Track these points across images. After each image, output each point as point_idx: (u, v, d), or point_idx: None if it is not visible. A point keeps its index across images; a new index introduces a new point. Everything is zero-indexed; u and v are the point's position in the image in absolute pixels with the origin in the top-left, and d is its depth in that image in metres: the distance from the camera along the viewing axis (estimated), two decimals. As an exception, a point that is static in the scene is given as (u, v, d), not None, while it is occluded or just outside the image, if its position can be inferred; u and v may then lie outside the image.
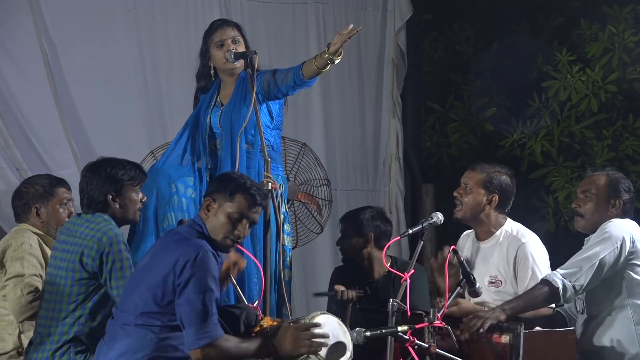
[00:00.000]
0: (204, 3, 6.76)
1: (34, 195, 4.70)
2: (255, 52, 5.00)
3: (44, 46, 6.07)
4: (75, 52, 6.20)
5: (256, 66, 4.92)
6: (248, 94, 4.91)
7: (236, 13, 6.90)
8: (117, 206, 4.25)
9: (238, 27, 5.09)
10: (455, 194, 4.82)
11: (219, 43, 5.02)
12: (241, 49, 5.00)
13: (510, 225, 4.80)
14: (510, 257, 4.69)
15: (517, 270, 4.67)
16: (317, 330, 3.88)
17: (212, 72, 5.09)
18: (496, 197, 4.76)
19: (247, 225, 4.01)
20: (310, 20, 7.28)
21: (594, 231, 4.63)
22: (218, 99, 5.09)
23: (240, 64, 4.99)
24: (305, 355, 3.87)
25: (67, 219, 4.63)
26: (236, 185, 3.99)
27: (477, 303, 4.66)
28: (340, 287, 5.01)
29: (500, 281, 4.71)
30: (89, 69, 6.22)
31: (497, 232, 4.78)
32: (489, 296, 4.69)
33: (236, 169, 4.82)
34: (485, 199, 4.76)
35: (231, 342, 3.82)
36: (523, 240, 4.71)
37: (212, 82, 5.12)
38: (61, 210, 4.72)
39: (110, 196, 4.23)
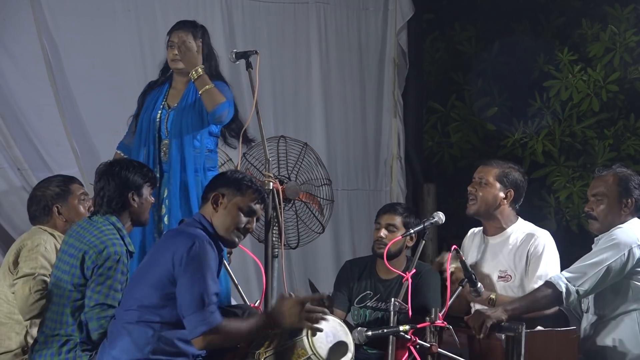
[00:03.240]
0: (205, 3, 6.76)
1: (52, 196, 4.75)
2: (256, 52, 4.99)
3: (45, 46, 6.08)
4: (76, 51, 6.21)
5: (257, 66, 4.92)
6: (198, 101, 5.00)
7: (237, 13, 6.90)
8: (136, 205, 4.29)
9: (188, 28, 5.11)
10: (470, 188, 4.79)
11: (171, 43, 5.10)
12: (190, 55, 5.02)
13: (523, 224, 4.80)
14: (523, 252, 4.69)
15: (528, 263, 4.66)
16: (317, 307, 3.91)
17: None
18: (512, 192, 4.75)
19: (255, 220, 4.13)
20: (311, 19, 7.28)
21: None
22: (165, 102, 5.15)
23: (178, 63, 5.07)
24: (307, 356, 3.86)
25: (87, 214, 4.69)
26: (245, 181, 4.11)
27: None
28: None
29: (510, 276, 4.70)
30: (90, 69, 6.23)
31: (509, 229, 4.77)
32: (498, 290, 4.68)
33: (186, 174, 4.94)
34: (501, 193, 4.75)
35: (232, 325, 3.86)
36: (537, 235, 4.71)
37: (165, 79, 5.19)
38: (80, 206, 4.78)
39: (131, 194, 4.26)
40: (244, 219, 4.05)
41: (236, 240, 4.08)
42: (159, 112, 5.11)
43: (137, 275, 3.97)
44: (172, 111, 5.09)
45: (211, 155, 5.10)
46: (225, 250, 4.77)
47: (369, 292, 5.07)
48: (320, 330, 3.88)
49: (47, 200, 4.74)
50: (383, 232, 5.07)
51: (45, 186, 4.80)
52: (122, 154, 5.19)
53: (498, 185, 4.76)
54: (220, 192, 4.06)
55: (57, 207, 4.73)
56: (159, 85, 5.21)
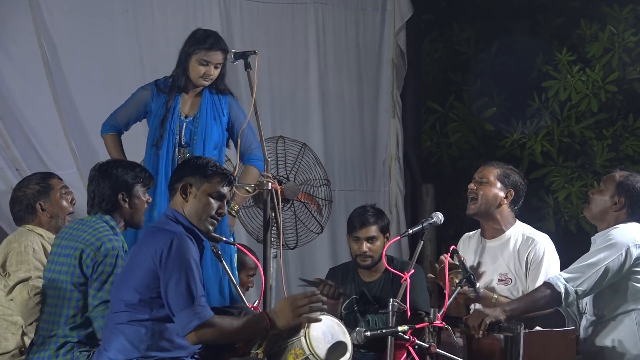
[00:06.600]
0: (203, 3, 6.75)
1: (33, 194, 4.73)
2: (254, 52, 4.99)
3: (43, 46, 6.08)
4: (74, 52, 6.20)
5: (255, 66, 4.92)
6: (218, 114, 5.04)
7: (235, 13, 6.90)
8: (127, 206, 4.27)
9: (225, 52, 5.09)
10: (471, 186, 4.79)
11: (204, 62, 5.04)
12: (216, 73, 5.05)
13: (521, 226, 4.81)
14: (522, 256, 4.70)
15: (529, 269, 4.67)
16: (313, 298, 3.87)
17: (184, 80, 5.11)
18: (512, 193, 4.77)
19: (226, 204, 4.10)
20: (309, 20, 7.28)
21: (594, 219, 4.68)
22: (180, 110, 5.11)
23: (208, 81, 5.05)
24: (304, 356, 3.86)
25: (70, 207, 4.71)
26: (210, 167, 4.06)
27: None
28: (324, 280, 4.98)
29: (510, 279, 4.71)
30: (89, 69, 6.23)
31: (507, 232, 4.78)
32: (498, 293, 4.69)
33: None
34: (502, 193, 4.76)
35: (225, 321, 3.84)
36: (536, 240, 4.72)
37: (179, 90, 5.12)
38: (63, 200, 4.76)
39: (121, 195, 4.24)
40: (214, 204, 4.01)
41: (210, 227, 4.04)
42: (178, 121, 5.07)
43: (121, 277, 3.96)
44: (191, 120, 5.07)
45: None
46: (234, 248, 4.81)
47: (354, 296, 5.08)
48: (319, 320, 3.86)
49: (29, 199, 4.72)
50: (366, 246, 5.07)
51: (25, 185, 4.78)
52: (113, 133, 5.16)
53: (499, 184, 4.77)
54: (187, 181, 4.00)
55: (40, 204, 4.71)
56: (172, 93, 5.11)
